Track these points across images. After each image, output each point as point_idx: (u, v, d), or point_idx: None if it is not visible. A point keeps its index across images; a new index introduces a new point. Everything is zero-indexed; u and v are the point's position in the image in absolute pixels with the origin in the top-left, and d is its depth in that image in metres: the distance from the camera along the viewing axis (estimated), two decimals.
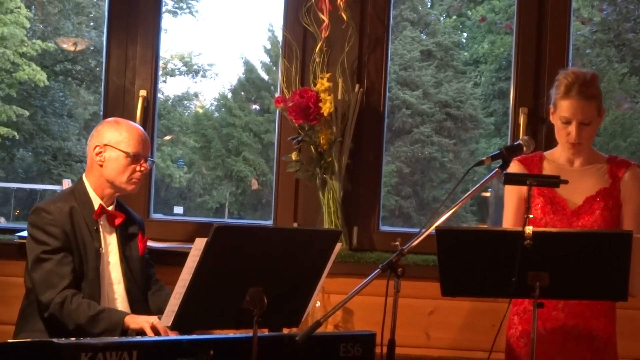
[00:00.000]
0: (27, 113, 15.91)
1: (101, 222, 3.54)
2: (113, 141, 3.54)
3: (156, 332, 3.20)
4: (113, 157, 3.54)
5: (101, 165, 3.55)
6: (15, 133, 15.77)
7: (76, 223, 3.46)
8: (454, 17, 18.75)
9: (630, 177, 3.46)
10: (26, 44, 15.49)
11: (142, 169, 3.58)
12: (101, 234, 3.53)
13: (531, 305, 3.41)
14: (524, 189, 3.46)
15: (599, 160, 3.51)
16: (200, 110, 18.93)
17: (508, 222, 3.54)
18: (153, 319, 3.25)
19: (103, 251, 3.51)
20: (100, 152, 3.54)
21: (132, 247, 3.62)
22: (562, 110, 3.38)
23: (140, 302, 3.60)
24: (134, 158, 3.55)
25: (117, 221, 3.57)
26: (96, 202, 3.55)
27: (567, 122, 3.38)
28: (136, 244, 3.64)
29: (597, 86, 3.42)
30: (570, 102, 3.36)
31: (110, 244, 3.56)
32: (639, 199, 3.45)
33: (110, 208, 3.59)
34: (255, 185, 17.49)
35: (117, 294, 3.54)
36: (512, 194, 3.54)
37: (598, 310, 3.43)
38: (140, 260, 3.64)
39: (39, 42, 15.73)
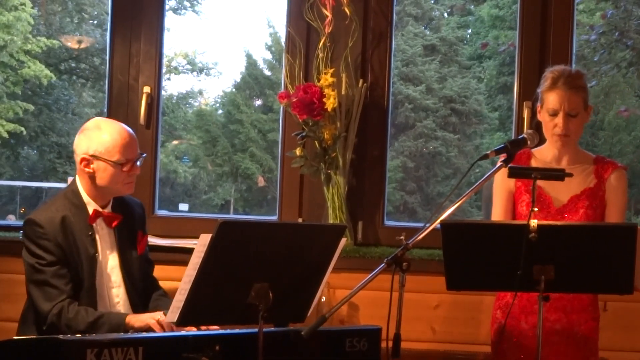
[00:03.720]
0: (32, 108, 15.88)
1: (97, 226, 3.45)
2: (99, 151, 3.39)
3: (162, 327, 3.19)
4: (102, 167, 3.40)
5: (91, 176, 3.43)
6: (23, 129, 15.75)
7: (69, 232, 3.37)
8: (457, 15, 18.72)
9: (615, 178, 3.49)
10: (31, 41, 15.49)
11: (134, 172, 3.46)
12: (97, 239, 3.44)
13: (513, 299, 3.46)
14: (512, 184, 3.51)
15: (586, 160, 3.54)
16: (205, 106, 18.92)
17: (496, 217, 3.56)
18: (158, 315, 3.24)
19: (100, 257, 3.43)
20: (88, 164, 3.41)
21: (131, 248, 3.53)
22: (548, 102, 3.43)
23: (140, 304, 3.53)
24: (124, 165, 3.42)
25: (114, 223, 3.47)
26: (90, 206, 3.44)
27: (554, 114, 3.42)
28: (135, 244, 3.55)
29: (583, 80, 3.47)
30: (556, 93, 3.41)
31: (109, 247, 3.48)
32: (623, 200, 3.49)
33: (106, 209, 3.49)
34: (261, 182, 17.47)
35: (119, 297, 3.47)
36: (500, 190, 3.57)
37: (579, 305, 3.45)
38: (139, 260, 3.55)
39: (43, 39, 15.72)
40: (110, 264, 3.48)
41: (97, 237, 3.45)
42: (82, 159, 3.42)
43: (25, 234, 3.40)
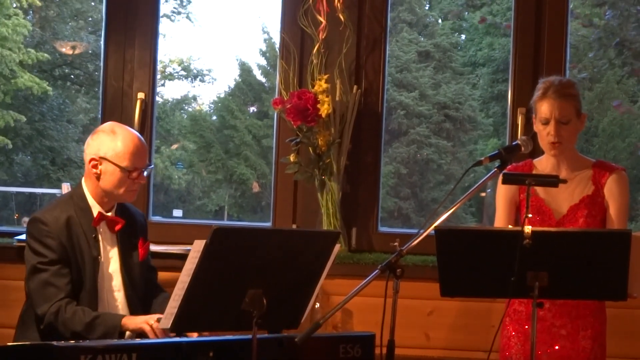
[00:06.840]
0: (24, 118, 15.85)
1: (100, 229, 3.47)
2: (109, 154, 3.41)
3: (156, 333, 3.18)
4: (109, 170, 3.42)
5: (98, 178, 3.44)
6: (9, 142, 15.74)
7: (74, 233, 3.40)
8: (452, 21, 18.76)
9: (613, 181, 3.50)
10: (23, 52, 15.46)
11: (140, 181, 3.47)
12: (100, 241, 3.46)
13: (521, 306, 3.49)
14: (514, 193, 3.52)
15: (585, 165, 3.56)
16: (199, 109, 18.93)
17: (499, 225, 3.57)
18: (152, 319, 3.22)
19: (102, 259, 3.44)
20: (97, 165, 3.43)
21: (132, 253, 3.54)
22: (540, 112, 3.47)
23: (140, 309, 3.52)
24: (131, 172, 3.43)
25: (117, 227, 3.49)
26: (95, 209, 3.47)
27: (546, 123, 3.45)
28: (137, 250, 3.56)
29: (574, 88, 3.52)
30: (547, 102, 3.45)
31: (111, 251, 3.49)
32: (622, 204, 3.50)
33: (110, 213, 3.50)
34: (256, 187, 17.47)
35: (118, 301, 3.48)
36: (503, 198, 3.60)
37: (586, 310, 3.46)
38: (140, 266, 3.56)
39: (33, 51, 15.67)
40: (112, 267, 3.49)
41: (101, 240, 3.47)
42: (91, 159, 3.45)
43: (29, 232, 3.42)
